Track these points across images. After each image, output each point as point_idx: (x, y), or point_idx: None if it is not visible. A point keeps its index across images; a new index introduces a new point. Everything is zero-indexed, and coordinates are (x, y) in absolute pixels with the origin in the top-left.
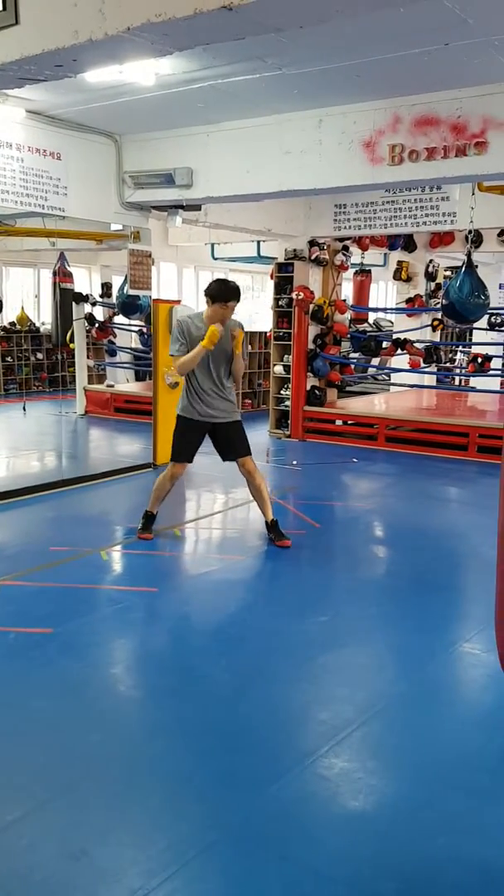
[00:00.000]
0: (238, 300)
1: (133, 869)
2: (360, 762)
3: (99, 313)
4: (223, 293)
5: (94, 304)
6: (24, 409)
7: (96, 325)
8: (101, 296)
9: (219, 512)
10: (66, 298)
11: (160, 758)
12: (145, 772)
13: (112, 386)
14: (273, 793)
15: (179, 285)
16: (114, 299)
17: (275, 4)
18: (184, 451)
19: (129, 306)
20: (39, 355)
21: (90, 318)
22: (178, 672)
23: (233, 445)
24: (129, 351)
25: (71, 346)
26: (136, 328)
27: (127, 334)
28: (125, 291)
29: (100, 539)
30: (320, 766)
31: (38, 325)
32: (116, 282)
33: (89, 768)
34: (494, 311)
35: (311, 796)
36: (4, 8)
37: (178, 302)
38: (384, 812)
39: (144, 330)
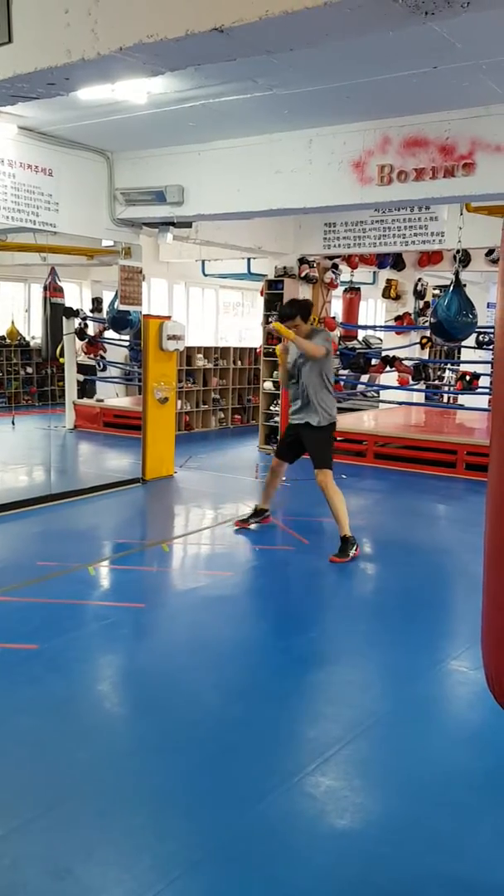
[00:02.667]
0: (289, 317)
1: (117, 888)
2: (346, 780)
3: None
4: (279, 315)
5: (84, 319)
6: (13, 423)
7: (86, 339)
8: (92, 310)
9: (207, 528)
10: (57, 313)
11: (146, 775)
12: (131, 789)
13: (101, 400)
14: (259, 811)
15: (170, 301)
16: (104, 314)
17: (265, 27)
18: (279, 447)
19: (120, 321)
20: (29, 369)
21: (80, 333)
22: (165, 689)
23: (309, 452)
24: (119, 366)
25: (61, 360)
26: (127, 343)
27: (115, 349)
28: (116, 306)
29: (87, 554)
30: (307, 785)
31: (28, 339)
32: (107, 297)
33: (74, 786)
34: (482, 330)
35: (298, 815)
36: None
37: (169, 318)
38: (370, 831)
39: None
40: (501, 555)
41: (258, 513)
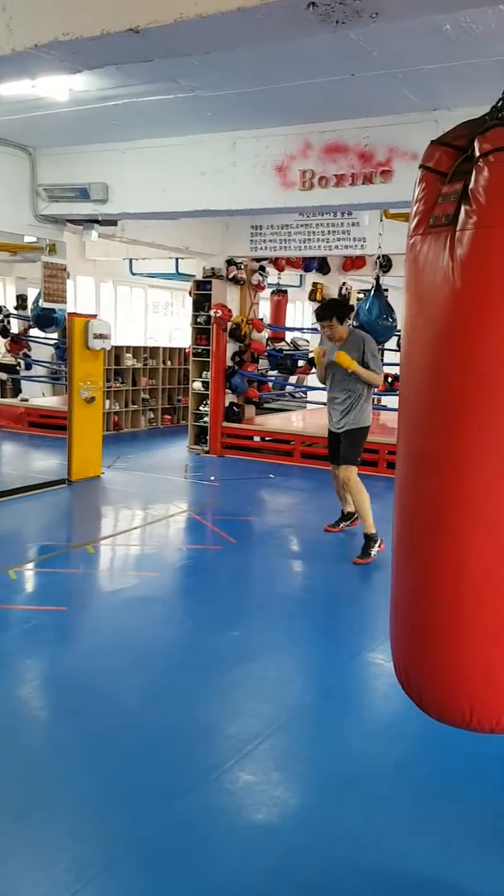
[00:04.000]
0: (326, 318)
1: (34, 891)
2: (264, 775)
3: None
4: (316, 315)
5: (7, 317)
6: None
7: (10, 337)
8: (16, 308)
9: (136, 528)
10: None
11: (64, 779)
12: (49, 793)
13: (26, 400)
14: (177, 809)
15: (97, 299)
16: (28, 312)
17: (180, 29)
18: (330, 456)
19: (45, 319)
20: None
21: (3, 331)
22: (86, 692)
23: (339, 451)
24: (45, 364)
25: None
26: (53, 342)
27: (41, 348)
28: (39, 304)
29: (9, 557)
30: (225, 781)
31: None
32: (32, 294)
33: None
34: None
35: (215, 810)
36: None
37: (95, 316)
38: (286, 823)
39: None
40: (404, 552)
41: (346, 516)
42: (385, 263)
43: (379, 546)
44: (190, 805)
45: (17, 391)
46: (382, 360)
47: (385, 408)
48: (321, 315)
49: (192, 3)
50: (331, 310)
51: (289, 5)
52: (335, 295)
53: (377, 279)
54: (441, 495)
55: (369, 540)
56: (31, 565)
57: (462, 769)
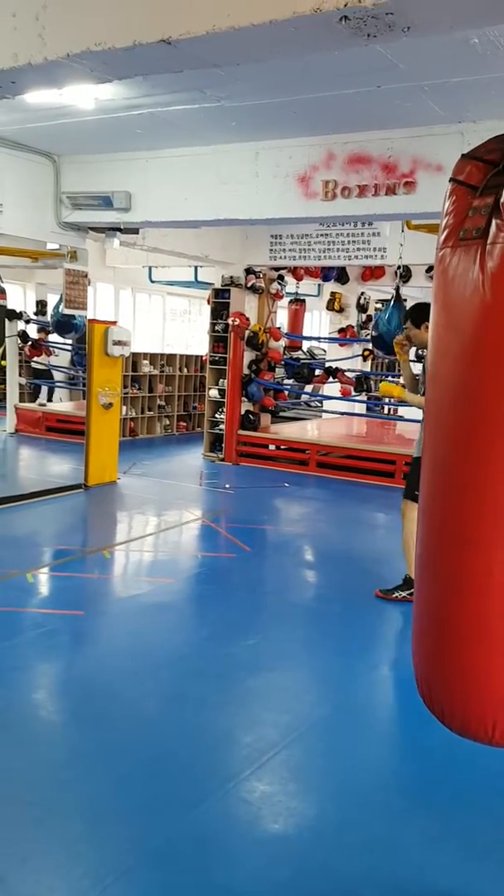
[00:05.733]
0: (411, 322)
1: (50, 895)
2: (281, 785)
3: (32, 331)
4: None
5: (27, 322)
6: None
7: (29, 342)
8: (36, 313)
9: (150, 534)
10: None
11: (81, 783)
12: (66, 798)
13: (44, 405)
14: (194, 817)
15: (116, 306)
16: (48, 317)
17: (212, 41)
18: None
19: (64, 325)
20: None
21: (23, 336)
22: (102, 697)
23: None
24: (63, 370)
25: (2, 363)
26: (71, 347)
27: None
28: (60, 310)
29: (26, 561)
30: (242, 790)
31: None
32: (52, 300)
33: (8, 794)
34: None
35: (233, 819)
36: None
37: (115, 323)
38: (304, 834)
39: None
40: (429, 564)
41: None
42: (405, 274)
43: (407, 595)
44: (207, 813)
45: (35, 396)
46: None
47: (402, 418)
48: (404, 317)
49: (224, 15)
50: (408, 312)
51: (321, 18)
52: (353, 304)
53: (397, 289)
54: (468, 508)
55: (405, 581)
56: (48, 569)
57: (483, 784)
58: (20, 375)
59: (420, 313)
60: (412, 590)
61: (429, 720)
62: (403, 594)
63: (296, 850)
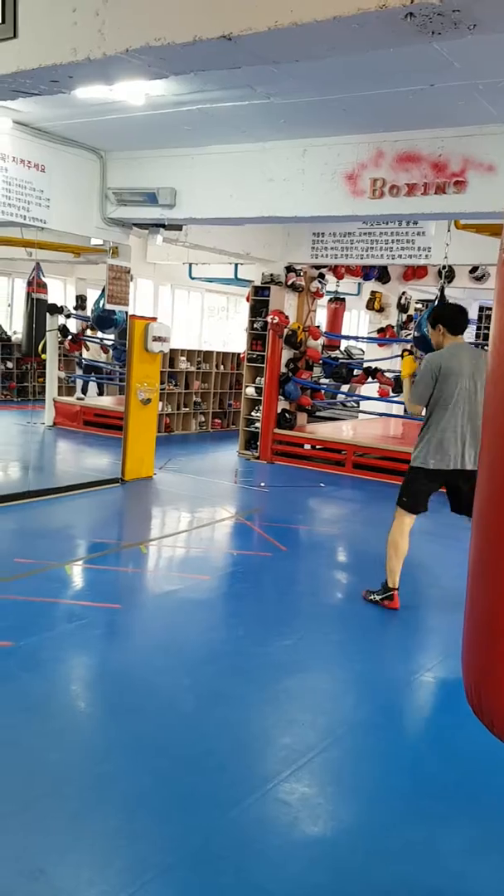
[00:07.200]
0: (428, 320)
1: (90, 889)
2: (320, 787)
3: (72, 325)
4: None
5: (67, 317)
6: None
7: (69, 336)
8: (76, 308)
9: (186, 531)
10: (40, 309)
11: (119, 778)
12: (104, 792)
13: (82, 399)
14: (233, 817)
15: (155, 302)
16: (88, 312)
17: (273, 38)
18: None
19: (105, 320)
20: (9, 364)
21: (63, 330)
22: (140, 691)
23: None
24: (102, 364)
25: (42, 356)
26: (110, 342)
27: (94, 347)
28: (102, 305)
29: (65, 553)
30: (281, 791)
31: (9, 333)
32: (91, 295)
33: (47, 787)
34: None
35: (271, 821)
36: (3, 21)
37: (155, 319)
38: (342, 838)
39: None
40: (482, 571)
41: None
42: (449, 274)
43: (387, 601)
44: (246, 814)
45: (100, 391)
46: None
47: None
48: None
49: (287, 10)
50: (433, 311)
51: (386, 15)
52: (393, 304)
53: (441, 290)
54: None
55: (383, 587)
56: (84, 562)
57: None
58: (59, 369)
59: (439, 313)
60: (385, 594)
61: (471, 727)
62: (378, 598)
63: (334, 854)
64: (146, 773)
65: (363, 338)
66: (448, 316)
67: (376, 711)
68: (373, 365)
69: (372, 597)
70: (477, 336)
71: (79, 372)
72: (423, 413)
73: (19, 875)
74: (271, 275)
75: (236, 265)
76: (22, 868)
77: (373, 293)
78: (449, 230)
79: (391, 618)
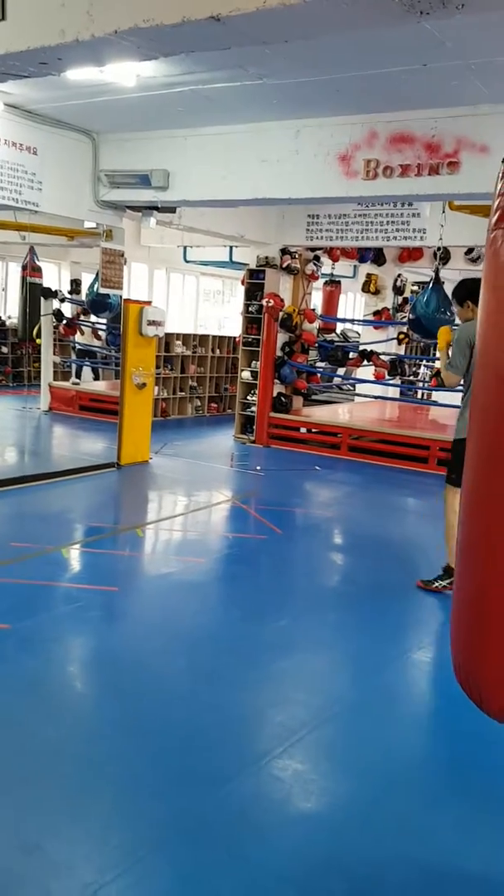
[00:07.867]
0: (455, 299)
1: (86, 864)
2: (313, 764)
3: (67, 310)
4: None
5: (62, 301)
6: None
7: (64, 321)
8: (70, 292)
9: (181, 514)
10: (35, 293)
11: (115, 755)
12: (100, 769)
13: (77, 383)
14: (227, 793)
15: (150, 286)
16: (83, 296)
17: (262, 18)
18: None
19: (99, 304)
20: (4, 349)
21: (58, 314)
22: (136, 671)
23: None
24: (96, 349)
25: (37, 341)
26: (102, 327)
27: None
28: (95, 289)
29: (61, 537)
30: (274, 768)
31: (3, 318)
32: (86, 279)
33: (43, 764)
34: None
35: (265, 797)
36: None
37: (149, 303)
38: (335, 813)
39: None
40: (471, 550)
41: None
42: (444, 256)
43: (448, 585)
44: (239, 790)
45: (96, 375)
46: (434, 354)
47: (436, 403)
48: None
49: None
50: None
51: None
52: (389, 286)
53: (436, 271)
54: None
55: (446, 571)
56: (81, 545)
57: None
58: (55, 354)
59: (464, 290)
60: (452, 579)
61: (463, 705)
62: (444, 584)
63: (329, 828)
64: (141, 752)
65: (359, 320)
66: (477, 291)
67: (370, 690)
68: (369, 348)
69: (437, 584)
70: None
71: (74, 357)
72: (462, 383)
73: (14, 849)
74: (266, 257)
75: (231, 248)
76: (17, 842)
77: (368, 275)
78: (444, 212)
79: (385, 599)
